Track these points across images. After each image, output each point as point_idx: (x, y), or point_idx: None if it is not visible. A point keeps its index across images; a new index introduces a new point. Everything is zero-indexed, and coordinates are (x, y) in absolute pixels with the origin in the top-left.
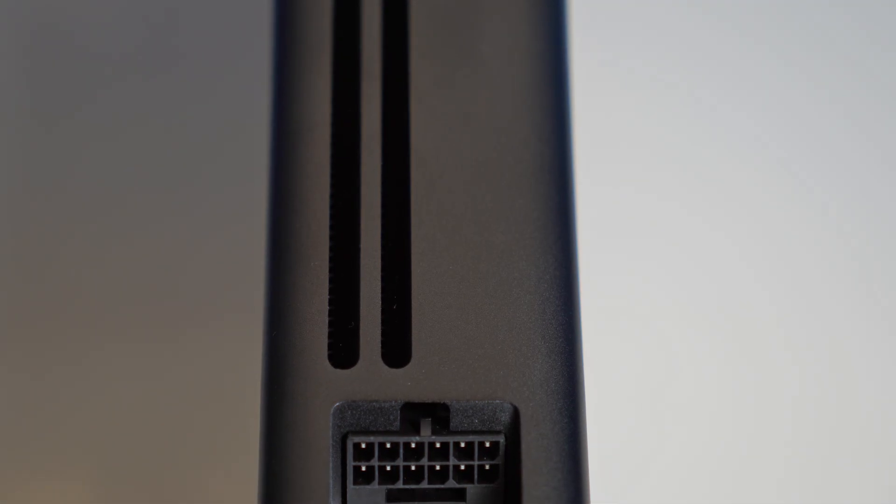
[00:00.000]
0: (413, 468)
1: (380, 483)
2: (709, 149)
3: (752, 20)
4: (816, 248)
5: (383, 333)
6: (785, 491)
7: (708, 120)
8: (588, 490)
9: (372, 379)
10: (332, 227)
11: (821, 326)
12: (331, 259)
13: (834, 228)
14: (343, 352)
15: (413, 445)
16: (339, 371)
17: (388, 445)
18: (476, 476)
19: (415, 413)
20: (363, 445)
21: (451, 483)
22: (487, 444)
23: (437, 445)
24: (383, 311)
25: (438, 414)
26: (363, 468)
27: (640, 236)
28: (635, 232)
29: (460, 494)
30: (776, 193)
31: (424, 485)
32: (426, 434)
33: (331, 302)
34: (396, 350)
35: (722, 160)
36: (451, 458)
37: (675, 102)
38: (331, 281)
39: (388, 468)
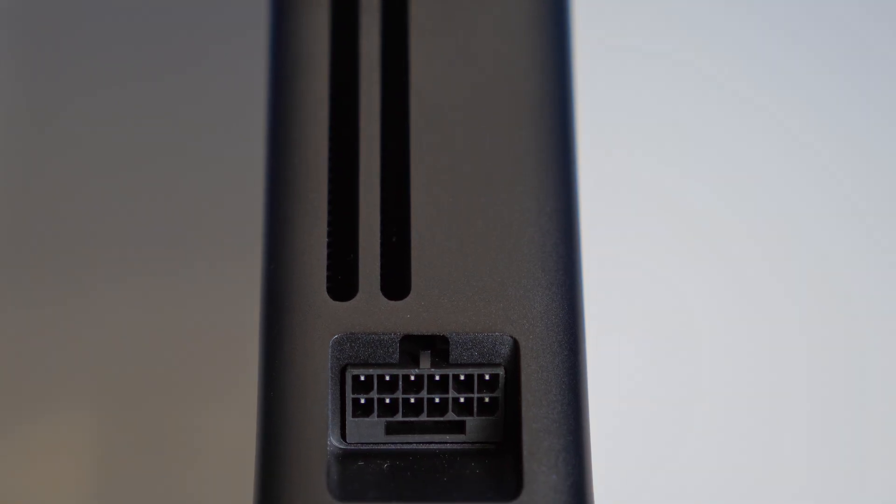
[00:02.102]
0: (412, 401)
1: (379, 416)
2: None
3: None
4: (831, 230)
5: (382, 266)
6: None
7: (707, 89)
8: (588, 423)
9: (371, 311)
10: (330, 160)
11: (836, 307)
12: (330, 192)
13: (850, 209)
14: (342, 284)
15: (412, 378)
16: (337, 303)
17: (387, 378)
18: (475, 408)
19: (414, 345)
20: (362, 378)
21: (451, 416)
22: (487, 377)
23: (437, 378)
24: (382, 244)
25: (438, 346)
26: (362, 401)
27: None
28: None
29: (460, 427)
30: (789, 171)
31: (424, 417)
32: (425, 366)
33: (330, 234)
34: (396, 282)
35: (724, 123)
36: (451, 390)
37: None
38: (329, 213)
39: (388, 401)
